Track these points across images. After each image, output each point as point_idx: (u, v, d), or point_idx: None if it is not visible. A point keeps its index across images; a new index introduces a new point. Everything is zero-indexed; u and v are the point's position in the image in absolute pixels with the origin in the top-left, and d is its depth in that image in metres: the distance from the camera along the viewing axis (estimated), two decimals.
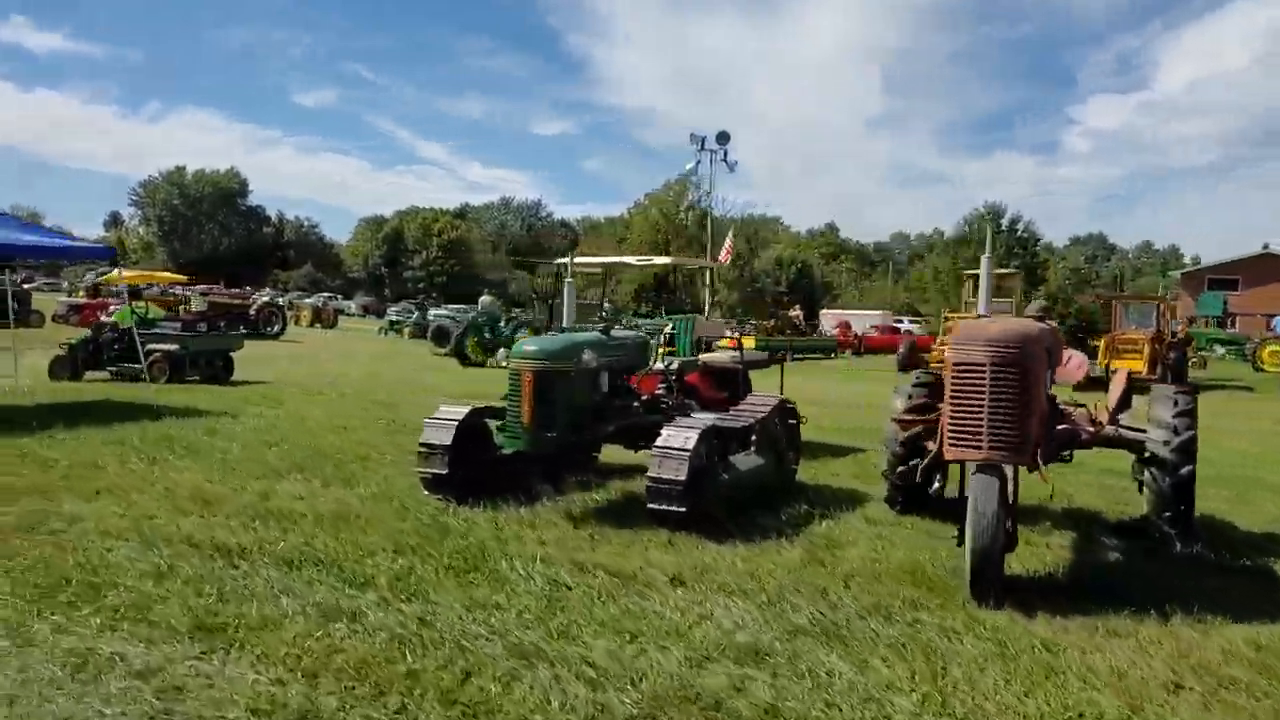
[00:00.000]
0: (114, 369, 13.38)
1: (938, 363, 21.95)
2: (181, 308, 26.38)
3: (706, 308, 16.37)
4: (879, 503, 6.10)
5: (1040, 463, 4.16)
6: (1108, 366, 17.88)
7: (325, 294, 53.14)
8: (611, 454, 7.31)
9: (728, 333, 9.85)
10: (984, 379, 4.08)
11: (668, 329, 7.93)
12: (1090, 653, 3.46)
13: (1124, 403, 5.38)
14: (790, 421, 6.72)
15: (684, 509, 5.02)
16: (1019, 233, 51.59)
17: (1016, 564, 4.54)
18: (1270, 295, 44.60)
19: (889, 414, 5.80)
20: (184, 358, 13.20)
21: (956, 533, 4.31)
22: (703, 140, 27.33)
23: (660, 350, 7.09)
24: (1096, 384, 8.23)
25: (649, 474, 5.15)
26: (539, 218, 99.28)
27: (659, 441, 5.20)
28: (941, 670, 3.26)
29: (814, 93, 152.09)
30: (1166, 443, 4.85)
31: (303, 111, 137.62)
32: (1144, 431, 5.21)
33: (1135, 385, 5.92)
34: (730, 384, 7.77)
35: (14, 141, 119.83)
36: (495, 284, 63.92)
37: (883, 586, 4.24)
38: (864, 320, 42.20)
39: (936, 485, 6.06)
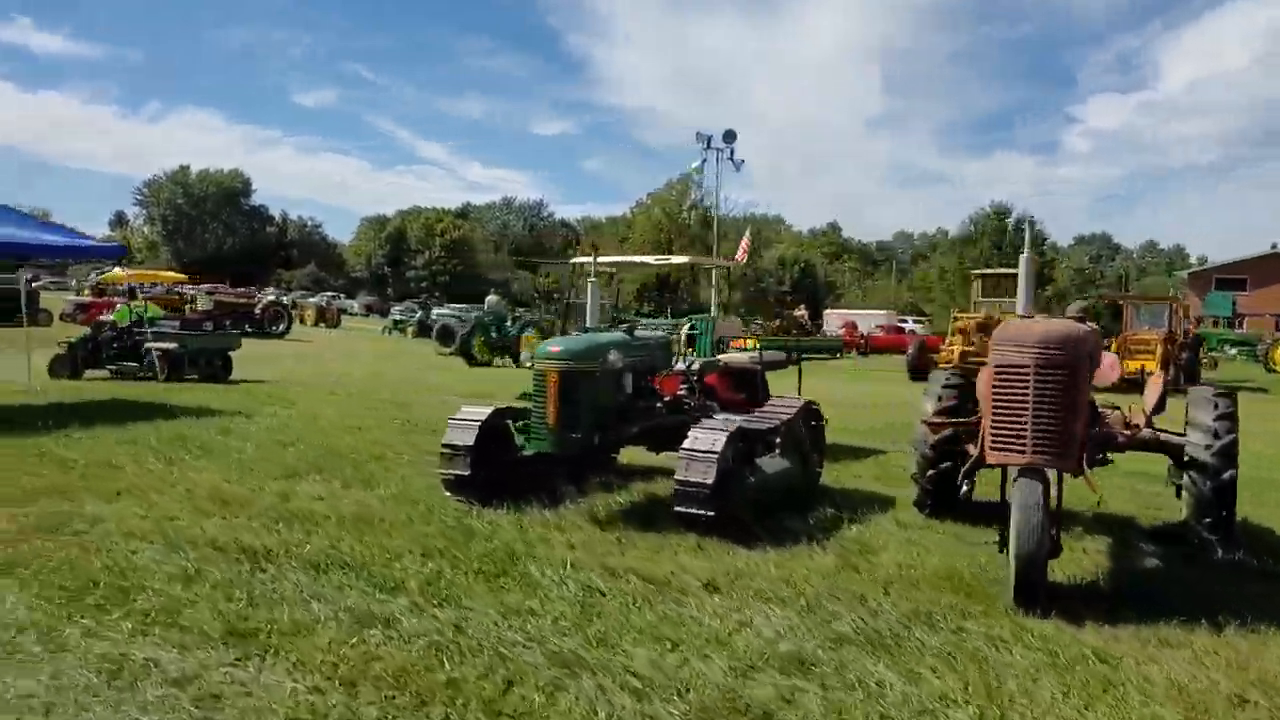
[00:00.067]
0: (113, 367, 13.35)
1: (946, 362, 21.89)
2: (188, 307, 26.41)
3: (713, 308, 16.30)
4: (906, 505, 6.02)
5: (1085, 468, 4.08)
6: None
7: (329, 293, 53.09)
8: (631, 455, 7.24)
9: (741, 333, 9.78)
10: (1028, 381, 4.00)
11: (685, 329, 7.85)
12: (1144, 664, 3.38)
13: (1159, 406, 5.29)
14: (815, 424, 6.65)
15: (712, 512, 4.94)
16: (1024, 232, 51.52)
17: (1056, 570, 4.45)
18: (1279, 296, 44.44)
19: (918, 416, 5.72)
20: (183, 356, 13.18)
21: (998, 538, 4.23)
22: (709, 139, 27.25)
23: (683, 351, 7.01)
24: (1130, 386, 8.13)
25: (676, 477, 5.07)
26: (541, 218, 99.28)
27: (686, 444, 5.12)
28: (995, 681, 3.17)
29: (814, 93, 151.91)
30: (1207, 446, 4.77)
31: (303, 111, 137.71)
32: (1182, 435, 5.13)
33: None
34: (748, 385, 7.68)
35: (14, 141, 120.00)
36: (498, 284, 63.87)
37: (922, 593, 4.16)
38: (869, 320, 42.09)
39: (965, 489, 5.97)
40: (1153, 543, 5.37)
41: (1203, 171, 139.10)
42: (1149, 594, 4.37)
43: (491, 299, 24.58)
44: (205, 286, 34.04)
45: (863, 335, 36.67)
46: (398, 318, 37.70)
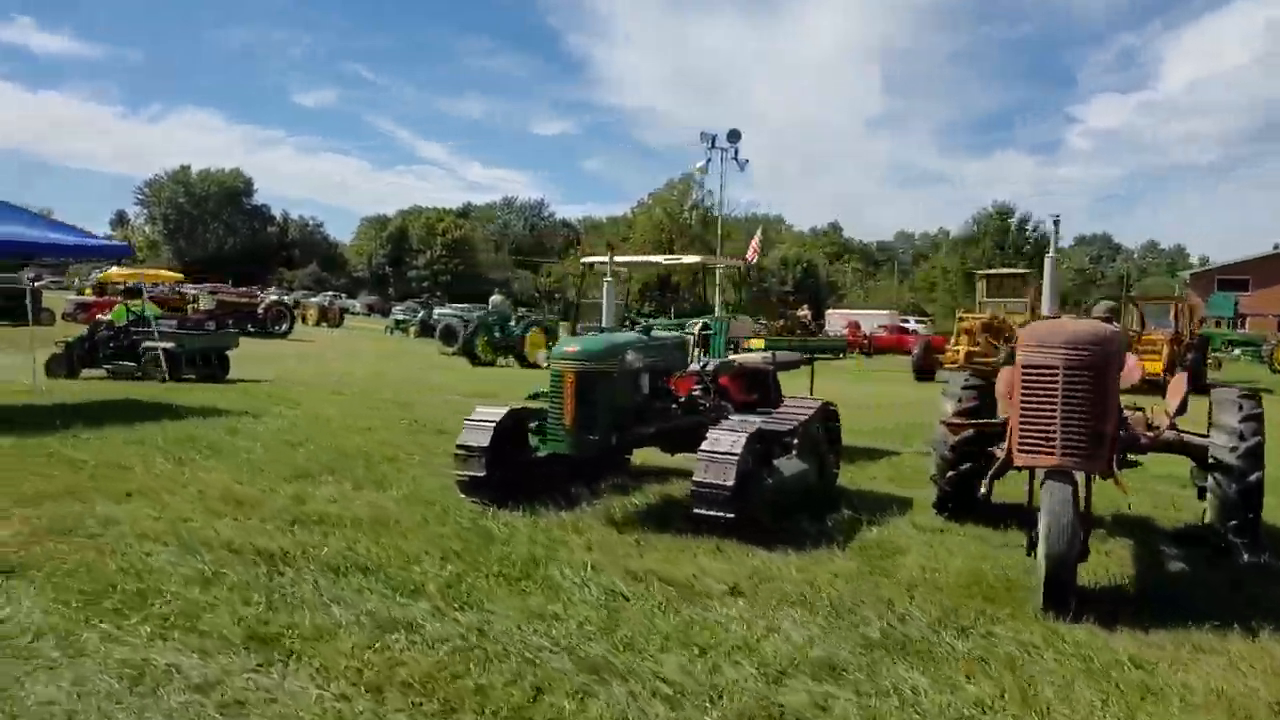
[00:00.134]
0: (109, 367, 13.30)
1: (951, 363, 21.81)
2: (190, 306, 26.35)
3: (716, 308, 16.23)
4: (923, 507, 5.97)
5: (1115, 470, 4.03)
6: None
7: (331, 293, 53.03)
8: (643, 456, 7.18)
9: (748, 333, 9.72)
10: (1057, 382, 3.94)
11: (696, 328, 7.79)
12: (1180, 670, 3.33)
13: (1181, 407, 5.24)
14: (832, 425, 6.59)
15: (731, 515, 4.88)
16: (1027, 233, 51.41)
17: (1081, 574, 4.38)
18: None
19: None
20: (180, 356, 13.14)
21: (1026, 541, 4.18)
22: (713, 139, 27.15)
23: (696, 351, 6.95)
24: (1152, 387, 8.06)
25: (695, 478, 5.02)
26: (542, 217, 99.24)
27: (705, 445, 5.07)
28: (1030, 688, 3.12)
29: (814, 93, 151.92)
30: (1233, 449, 4.71)
31: (303, 111, 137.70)
32: (1205, 436, 5.07)
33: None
34: (761, 386, 7.63)
35: (14, 141, 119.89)
36: (499, 283, 63.83)
37: (947, 597, 4.11)
38: (871, 320, 42.03)
39: (983, 491, 5.92)
40: (1176, 545, 5.32)
41: (1203, 171, 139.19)
42: (1174, 597, 4.32)
43: (496, 299, 24.54)
44: (207, 286, 34.00)
45: (866, 335, 36.60)
46: (400, 317, 37.63)
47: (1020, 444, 4.05)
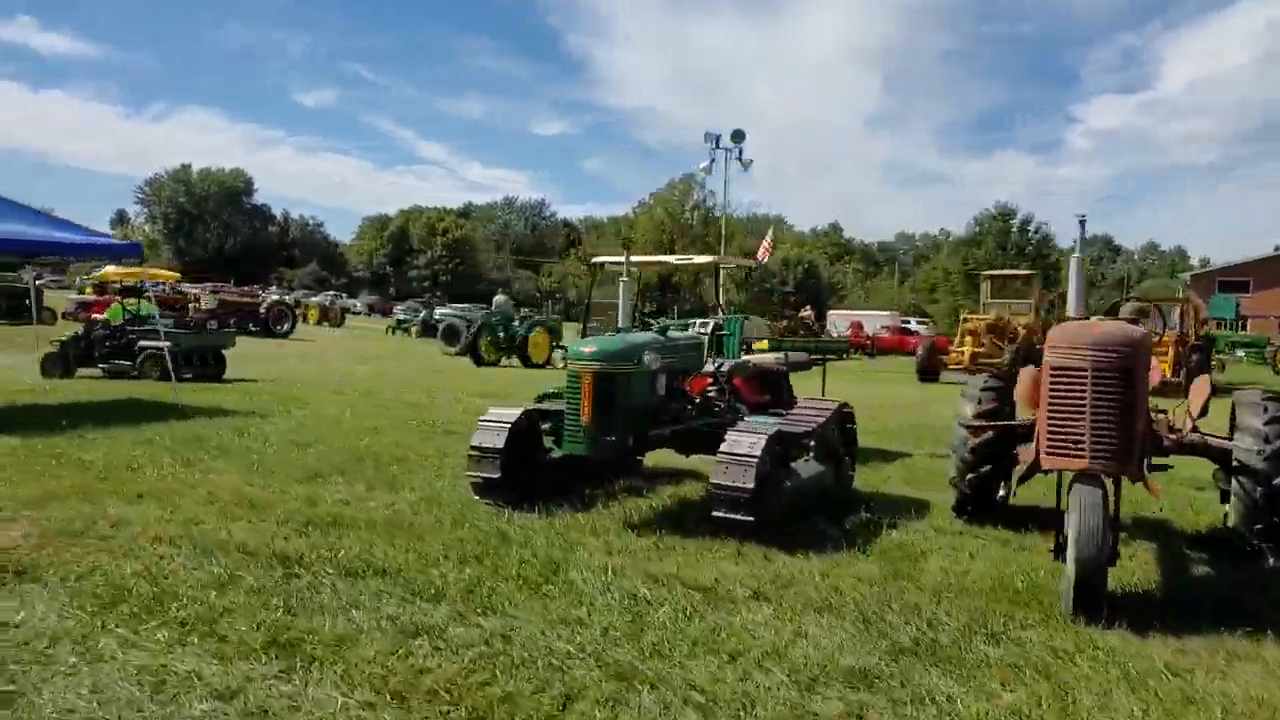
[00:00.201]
0: (105, 366, 13.24)
1: (956, 364, 21.74)
2: (192, 306, 26.27)
3: (718, 309, 16.19)
4: (942, 510, 5.91)
5: (1145, 473, 3.97)
6: None
7: (332, 292, 52.94)
8: (655, 457, 7.11)
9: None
10: (1086, 384, 3.89)
11: (707, 329, 7.72)
12: (1217, 677, 3.27)
13: (1204, 409, 5.18)
14: (847, 426, 6.53)
15: (752, 517, 4.83)
16: (1029, 234, 51.39)
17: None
18: None
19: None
20: (176, 355, 13.08)
21: (1054, 545, 4.12)
22: (716, 139, 27.10)
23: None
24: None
25: (714, 480, 4.96)
26: (543, 217, 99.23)
27: (724, 447, 5.01)
28: (1067, 696, 3.06)
29: (814, 93, 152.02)
30: (1259, 451, 4.65)
31: (303, 111, 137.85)
32: (1228, 439, 5.01)
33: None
34: (772, 387, 7.57)
35: (16, 140, 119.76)
36: (500, 283, 63.79)
37: (974, 602, 4.05)
38: (873, 321, 41.99)
39: (1001, 493, 5.87)
40: (1198, 549, 5.26)
41: (1203, 172, 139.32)
42: (1199, 602, 4.26)
43: (499, 299, 24.44)
44: (208, 285, 33.91)
45: (869, 336, 36.56)
46: (401, 317, 37.53)
47: (1048, 447, 3.99)
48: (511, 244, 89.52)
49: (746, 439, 5.00)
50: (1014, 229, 50.68)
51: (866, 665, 3.27)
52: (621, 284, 6.60)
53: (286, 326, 29.13)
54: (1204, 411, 5.16)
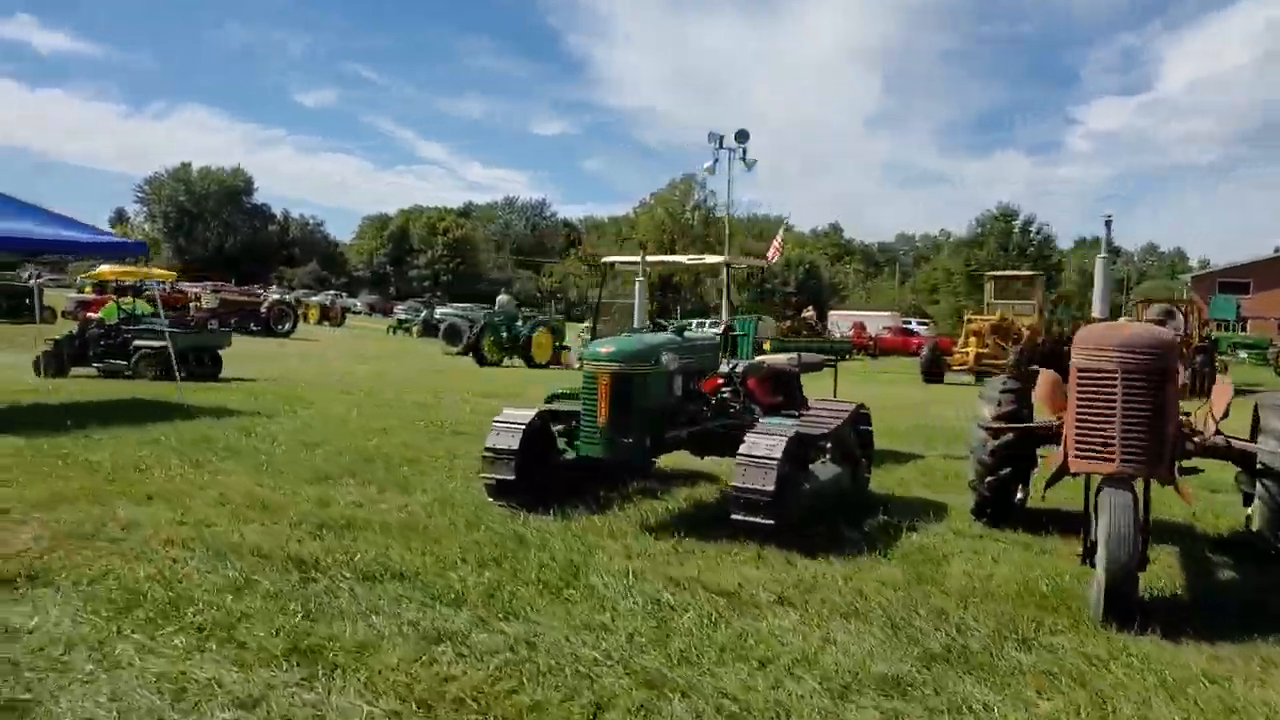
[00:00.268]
0: (100, 365, 13.18)
1: (960, 365, 21.68)
2: (193, 305, 26.19)
3: (723, 309, 16.08)
4: (959, 512, 5.86)
5: (1176, 476, 3.91)
6: None
7: (332, 292, 52.84)
8: (668, 458, 7.05)
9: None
10: (1115, 387, 3.83)
11: (715, 328, 7.67)
12: (1255, 685, 3.21)
13: (1225, 411, 5.13)
14: (864, 428, 6.47)
15: (772, 520, 4.76)
16: (1031, 234, 51.36)
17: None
18: None
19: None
20: (173, 355, 13.00)
21: (1081, 549, 4.06)
22: (720, 138, 26.94)
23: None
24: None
25: (734, 483, 4.90)
26: (543, 217, 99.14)
27: (743, 449, 4.95)
28: (1106, 704, 3.00)
29: (814, 93, 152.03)
30: None
31: (303, 111, 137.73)
32: (1251, 441, 4.96)
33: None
34: (785, 388, 7.51)
35: (15, 139, 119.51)
36: (501, 283, 63.71)
37: (1001, 607, 3.99)
38: (875, 321, 41.96)
39: (1019, 496, 5.82)
40: (1221, 553, 5.21)
41: (1203, 172, 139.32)
42: (1224, 606, 4.21)
43: (502, 299, 24.39)
44: (209, 285, 33.80)
45: (872, 337, 36.52)
46: (402, 317, 37.47)
47: (1077, 450, 3.93)
48: (512, 244, 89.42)
49: (766, 441, 4.94)
50: (1015, 230, 50.65)
51: (899, 673, 3.21)
52: (637, 284, 6.54)
53: (288, 326, 29.06)
54: (1226, 413, 5.10)
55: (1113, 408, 3.82)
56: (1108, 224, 4.47)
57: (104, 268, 23.03)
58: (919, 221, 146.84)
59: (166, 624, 3.40)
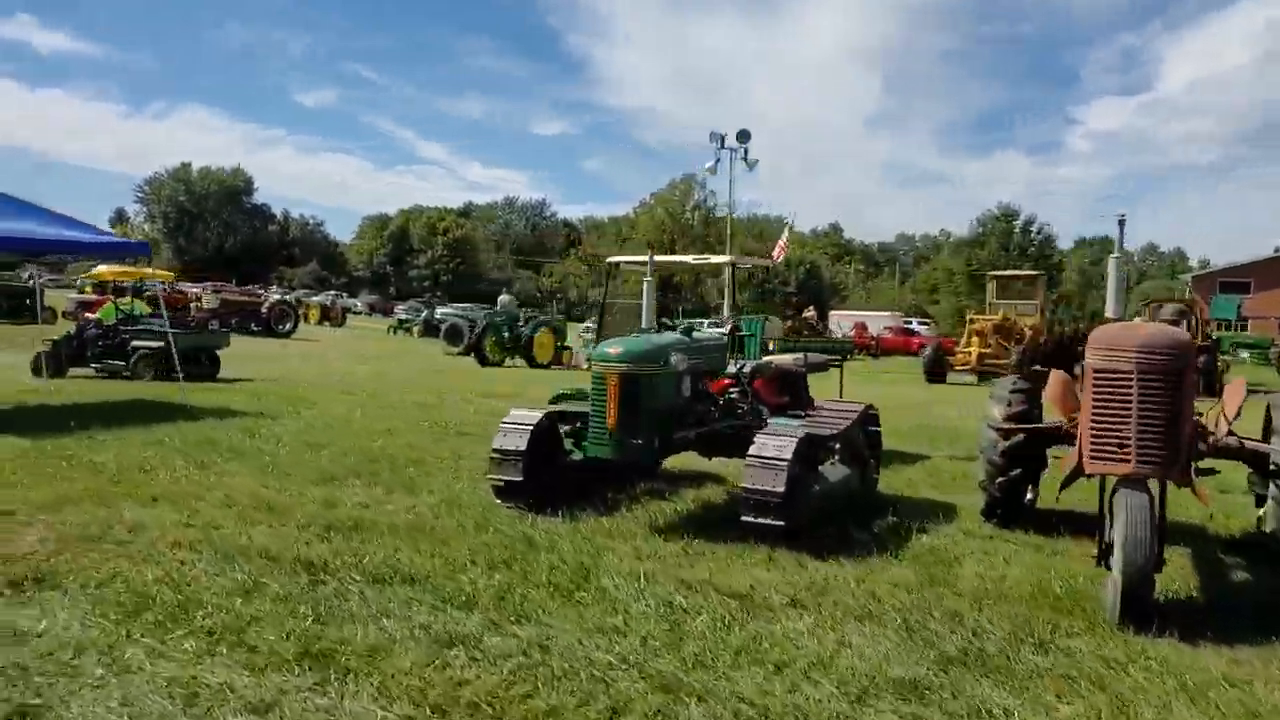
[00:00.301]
0: (98, 366, 13.17)
1: (963, 365, 21.65)
2: (194, 305, 26.14)
3: (725, 309, 16.02)
4: (969, 513, 5.83)
5: (1193, 478, 3.89)
6: None
7: (333, 292, 52.79)
8: (674, 459, 7.02)
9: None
10: (1131, 387, 3.80)
11: (722, 329, 7.63)
12: (1277, 688, 3.18)
13: (1238, 412, 5.10)
14: (872, 429, 6.45)
15: (783, 522, 4.74)
16: (1031, 234, 51.33)
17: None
18: None
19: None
20: (169, 355, 12.99)
21: (1096, 551, 4.03)
22: (722, 138, 26.96)
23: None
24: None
25: (744, 484, 4.87)
26: (544, 217, 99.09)
27: (753, 450, 4.92)
28: (1126, 709, 2.97)
29: (814, 93, 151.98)
30: None
31: (303, 111, 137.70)
32: (1263, 441, 4.93)
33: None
34: (792, 388, 7.48)
35: (15, 139, 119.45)
36: (501, 283, 63.70)
37: (1015, 609, 3.96)
38: (876, 321, 41.92)
39: (1029, 496, 5.79)
40: (1233, 554, 5.18)
41: (1203, 172, 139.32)
42: (1238, 608, 4.19)
43: (504, 299, 24.33)
44: (209, 285, 33.74)
45: (873, 337, 36.48)
46: (403, 317, 37.42)
47: (1092, 451, 3.91)
48: (512, 244, 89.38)
49: (776, 442, 4.91)
50: (1016, 229, 50.62)
51: (916, 676, 3.18)
52: (645, 284, 6.50)
53: (289, 326, 29.01)
54: (1238, 414, 5.08)
55: (1129, 408, 3.79)
56: (1121, 224, 4.42)
57: (101, 268, 22.98)
58: (919, 221, 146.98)
59: (176, 627, 3.37)
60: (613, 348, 5.28)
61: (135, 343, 13.09)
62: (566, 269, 79.92)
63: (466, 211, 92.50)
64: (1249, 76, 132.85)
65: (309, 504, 5.48)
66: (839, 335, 35.97)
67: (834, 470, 5.63)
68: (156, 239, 74.05)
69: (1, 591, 3.67)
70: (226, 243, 73.33)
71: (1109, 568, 3.83)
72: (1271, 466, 4.80)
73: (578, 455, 5.79)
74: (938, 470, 7.76)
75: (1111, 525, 3.82)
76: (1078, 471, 4.10)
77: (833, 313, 50.25)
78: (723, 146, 26.31)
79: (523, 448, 5.39)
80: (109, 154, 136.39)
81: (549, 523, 5.20)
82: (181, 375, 12.46)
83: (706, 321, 7.04)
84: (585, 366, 6.60)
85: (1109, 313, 4.62)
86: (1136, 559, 3.60)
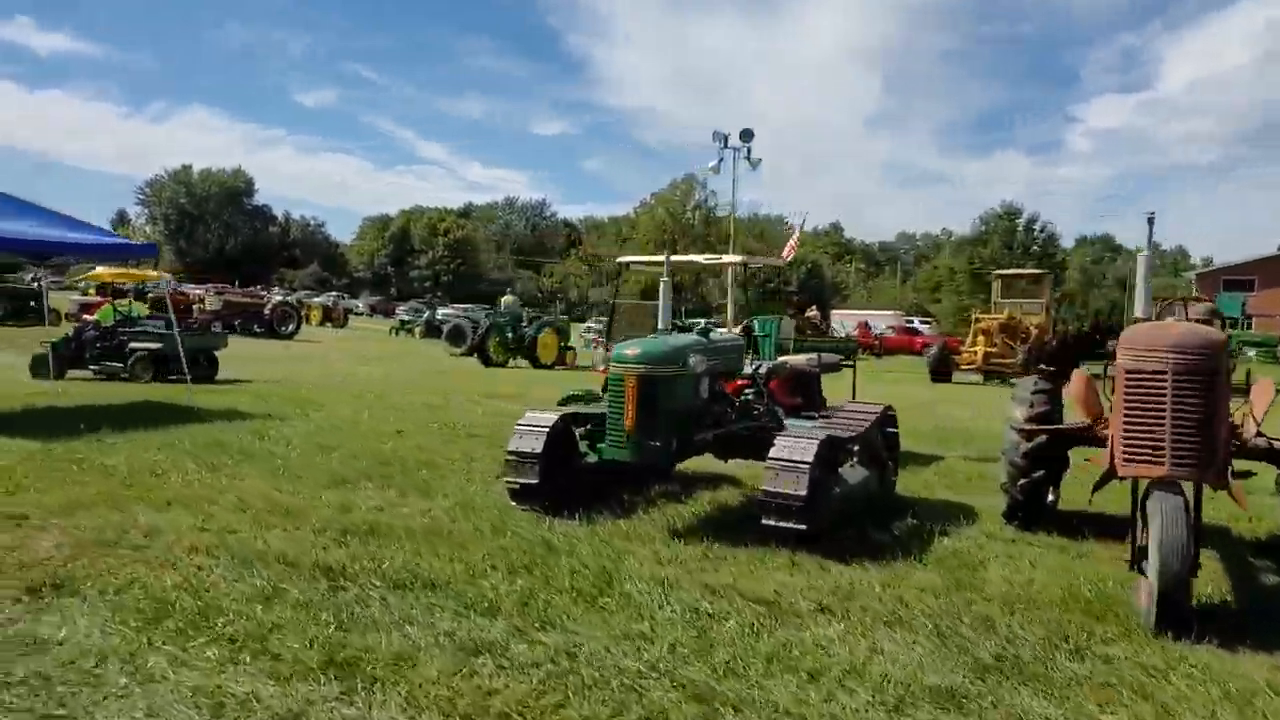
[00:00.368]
0: (96, 368, 13.12)
1: (969, 364, 21.57)
2: (196, 307, 26.08)
3: (729, 309, 15.98)
4: (989, 515, 5.77)
5: (1230, 480, 3.83)
6: None
7: (335, 293, 52.74)
8: (688, 461, 6.97)
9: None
10: (1165, 388, 3.74)
11: (736, 329, 7.58)
12: None
13: (1266, 412, 5.04)
14: (890, 430, 6.39)
15: (805, 526, 4.68)
16: (1035, 233, 51.20)
17: None
18: None
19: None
20: (166, 356, 12.96)
21: (1129, 555, 3.97)
22: (725, 138, 26.84)
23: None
24: None
25: (764, 487, 4.81)
26: (544, 217, 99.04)
27: (773, 453, 4.86)
28: (1170, 717, 2.91)
29: (814, 93, 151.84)
30: None
31: (303, 111, 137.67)
32: None
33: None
34: (805, 389, 7.42)
35: (15, 140, 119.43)
36: (503, 283, 63.66)
37: (1048, 614, 3.90)
38: (878, 320, 41.87)
39: (1050, 498, 5.73)
40: (1263, 557, 5.12)
41: (1203, 171, 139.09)
42: (1270, 612, 4.13)
43: (508, 299, 24.26)
44: (211, 286, 33.72)
45: (877, 336, 36.41)
46: (405, 318, 37.38)
47: (1125, 453, 3.85)
48: (512, 244, 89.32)
49: (797, 445, 4.86)
50: (1019, 228, 50.53)
51: (953, 684, 3.12)
52: (663, 284, 6.43)
53: (292, 328, 28.94)
54: (1266, 413, 5.01)
55: (1163, 409, 3.73)
56: (1150, 222, 4.34)
57: (99, 269, 22.89)
58: (919, 221, 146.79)
59: (197, 635, 3.31)
60: (630, 349, 5.22)
61: (133, 344, 13.05)
62: (567, 269, 79.87)
63: (467, 212, 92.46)
64: (1249, 76, 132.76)
65: (323, 507, 5.42)
66: (842, 335, 35.91)
67: (853, 472, 5.57)
68: (158, 241, 74.13)
69: (20, 598, 3.61)
70: (227, 244, 73.30)
71: (1142, 572, 3.77)
72: None
73: (592, 458, 5.73)
74: (952, 471, 7.70)
75: (1145, 529, 3.76)
76: (1110, 474, 4.04)
77: (834, 312, 50.17)
78: (725, 146, 26.19)
79: (539, 450, 5.33)
80: (109, 154, 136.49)
81: (566, 526, 5.14)
82: (166, 378, 12.46)
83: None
84: (602, 368, 6.53)
85: (1138, 312, 4.55)
86: (1173, 564, 3.54)
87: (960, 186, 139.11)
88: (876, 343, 35.43)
